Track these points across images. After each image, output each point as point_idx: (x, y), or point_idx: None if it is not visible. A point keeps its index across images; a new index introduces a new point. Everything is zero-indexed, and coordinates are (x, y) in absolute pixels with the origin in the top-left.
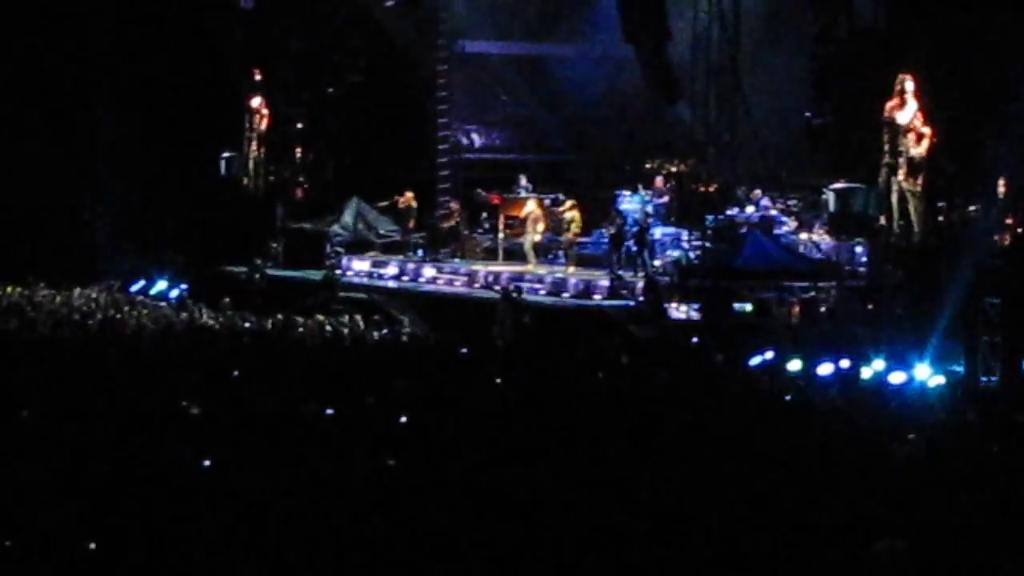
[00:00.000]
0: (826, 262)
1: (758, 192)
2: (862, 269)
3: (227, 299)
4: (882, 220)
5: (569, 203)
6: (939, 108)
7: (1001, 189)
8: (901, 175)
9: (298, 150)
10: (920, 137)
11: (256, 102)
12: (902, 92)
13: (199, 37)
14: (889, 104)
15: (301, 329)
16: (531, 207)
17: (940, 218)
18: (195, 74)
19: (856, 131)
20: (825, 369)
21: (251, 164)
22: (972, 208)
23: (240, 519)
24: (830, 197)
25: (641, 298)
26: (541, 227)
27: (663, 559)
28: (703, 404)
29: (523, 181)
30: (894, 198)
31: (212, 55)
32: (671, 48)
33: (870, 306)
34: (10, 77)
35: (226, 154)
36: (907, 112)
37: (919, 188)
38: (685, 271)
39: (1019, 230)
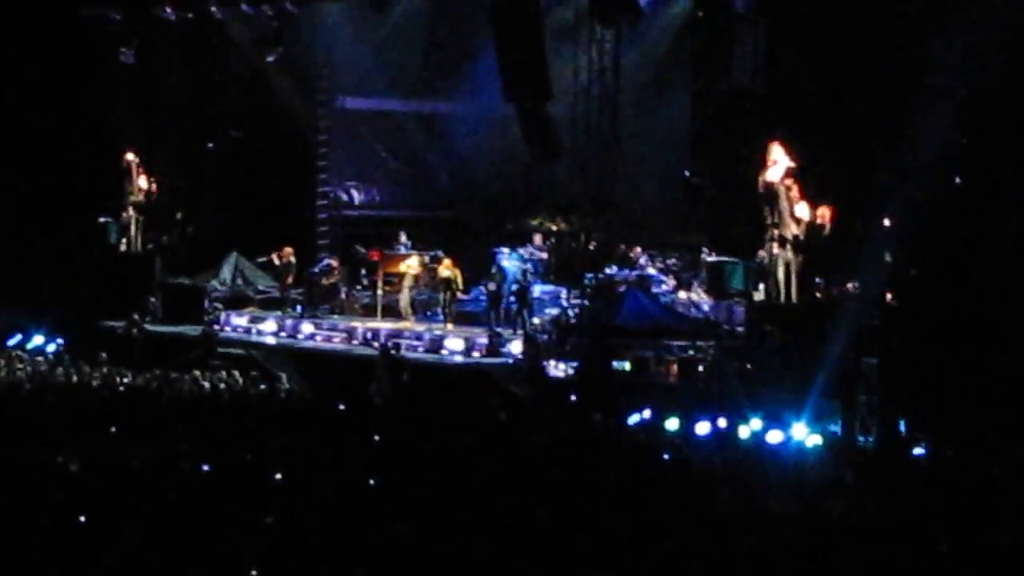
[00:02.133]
0: (704, 321)
1: (637, 250)
2: (740, 328)
3: (104, 354)
4: (758, 294)
5: (448, 261)
6: (813, 176)
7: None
8: (776, 248)
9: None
10: (796, 209)
11: (135, 159)
12: (772, 160)
13: (79, 91)
14: (762, 173)
15: (179, 385)
16: (408, 264)
17: (818, 294)
18: (74, 129)
19: (731, 194)
20: (703, 428)
21: (132, 224)
22: (851, 284)
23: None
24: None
25: (520, 356)
26: (416, 284)
27: None
28: (581, 462)
29: (403, 238)
30: (780, 272)
31: (92, 109)
32: (552, 106)
33: (748, 365)
34: None
35: (103, 219)
36: (773, 174)
37: (797, 261)
38: (564, 329)
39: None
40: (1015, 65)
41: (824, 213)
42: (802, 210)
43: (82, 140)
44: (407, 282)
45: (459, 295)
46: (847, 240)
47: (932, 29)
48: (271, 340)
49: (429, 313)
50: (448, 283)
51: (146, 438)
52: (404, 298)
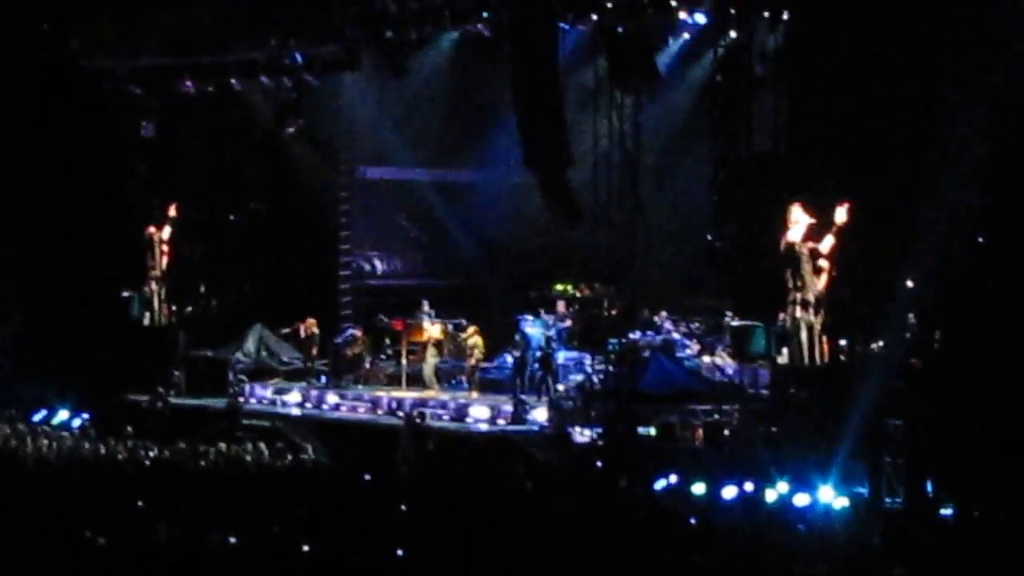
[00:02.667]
0: (729, 384)
1: (661, 315)
2: (765, 391)
3: (130, 428)
4: (782, 357)
5: (471, 329)
6: (838, 238)
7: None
8: (799, 310)
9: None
10: (819, 270)
11: (157, 232)
12: (792, 221)
13: (100, 165)
14: (783, 235)
15: (204, 458)
16: (430, 332)
17: (841, 356)
18: (95, 203)
19: (753, 257)
20: (729, 492)
21: (154, 298)
22: (875, 345)
23: None
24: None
25: (545, 423)
26: (439, 352)
27: None
28: (608, 529)
29: (426, 307)
30: (803, 335)
31: (113, 183)
32: (572, 172)
33: (773, 428)
34: None
35: (126, 293)
36: (794, 235)
37: (820, 322)
38: (588, 395)
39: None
40: None
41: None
42: (823, 276)
43: (103, 214)
44: (430, 351)
45: (483, 363)
46: (870, 302)
47: (952, 87)
48: (296, 411)
49: (454, 382)
50: (472, 351)
51: (173, 511)
52: (428, 367)
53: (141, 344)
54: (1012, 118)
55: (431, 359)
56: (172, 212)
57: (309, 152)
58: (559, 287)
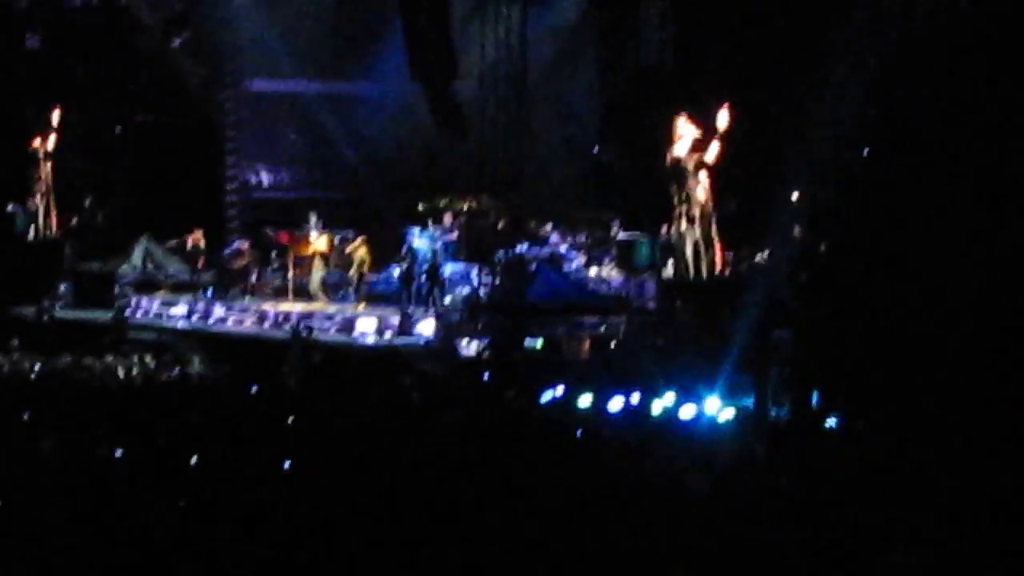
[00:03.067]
0: (616, 297)
1: (547, 228)
2: (651, 304)
3: (15, 341)
4: (667, 270)
5: (358, 240)
6: (722, 146)
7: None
8: (684, 224)
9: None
10: (702, 183)
11: (43, 145)
12: (678, 135)
13: None
14: (669, 149)
15: (90, 371)
16: (317, 245)
17: (727, 269)
18: None
19: (640, 170)
20: (615, 404)
21: (39, 213)
22: (761, 257)
23: (31, 561)
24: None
25: (432, 335)
26: (326, 264)
27: None
28: (495, 441)
29: (313, 219)
30: (688, 248)
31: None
32: (459, 86)
33: (660, 340)
34: None
35: (11, 207)
36: (680, 149)
37: (706, 234)
38: (475, 307)
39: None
40: (928, 35)
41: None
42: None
43: None
44: (317, 263)
45: (369, 275)
46: (756, 213)
47: (840, 5)
48: (182, 324)
49: (340, 294)
50: (359, 263)
51: (59, 425)
52: (315, 279)
53: (26, 258)
54: (902, 30)
55: (317, 271)
56: (56, 122)
57: (196, 64)
58: (445, 200)
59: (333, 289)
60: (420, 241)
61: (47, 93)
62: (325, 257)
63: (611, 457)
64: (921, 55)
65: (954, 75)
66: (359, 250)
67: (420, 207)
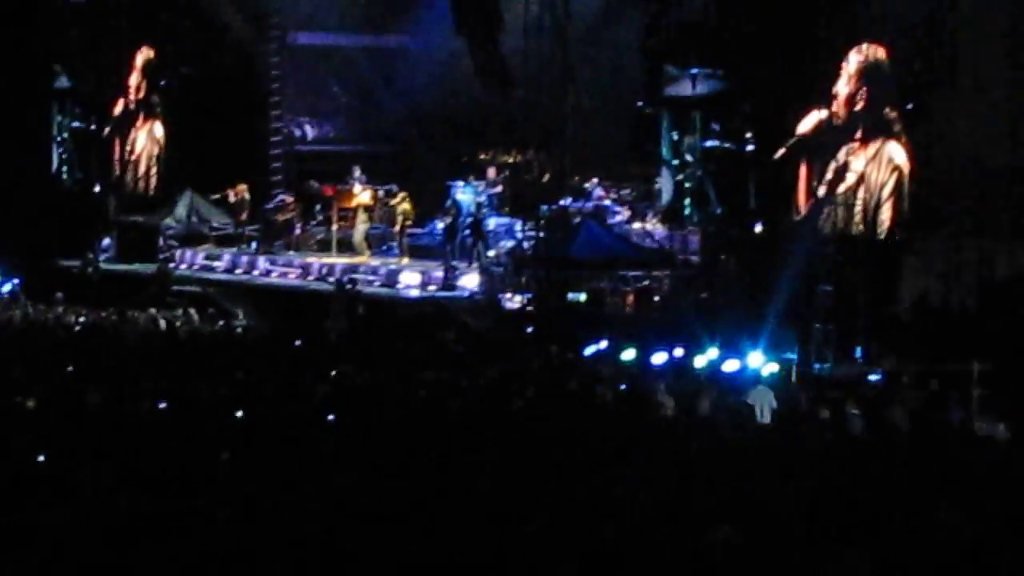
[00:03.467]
0: (659, 251)
1: (592, 181)
2: (695, 258)
3: (60, 293)
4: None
5: (401, 195)
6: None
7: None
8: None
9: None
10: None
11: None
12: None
13: (28, 30)
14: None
15: (135, 324)
16: (360, 198)
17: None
18: (24, 71)
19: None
20: (659, 358)
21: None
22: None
23: (77, 513)
24: (664, 186)
25: (476, 289)
26: (369, 218)
27: (500, 554)
28: (539, 394)
29: (357, 173)
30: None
31: (41, 49)
32: (503, 39)
33: (703, 295)
34: None
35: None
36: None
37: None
38: (519, 261)
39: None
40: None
41: None
42: None
43: (33, 79)
44: (360, 216)
45: (413, 228)
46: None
47: None
48: (227, 277)
49: (384, 248)
50: (402, 216)
51: (103, 376)
52: (359, 233)
53: (71, 210)
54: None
55: (361, 225)
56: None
57: (240, 18)
58: (489, 154)
59: (377, 242)
60: (464, 195)
61: (91, 46)
62: (369, 210)
63: (655, 410)
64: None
65: None
66: (402, 204)
67: (464, 160)
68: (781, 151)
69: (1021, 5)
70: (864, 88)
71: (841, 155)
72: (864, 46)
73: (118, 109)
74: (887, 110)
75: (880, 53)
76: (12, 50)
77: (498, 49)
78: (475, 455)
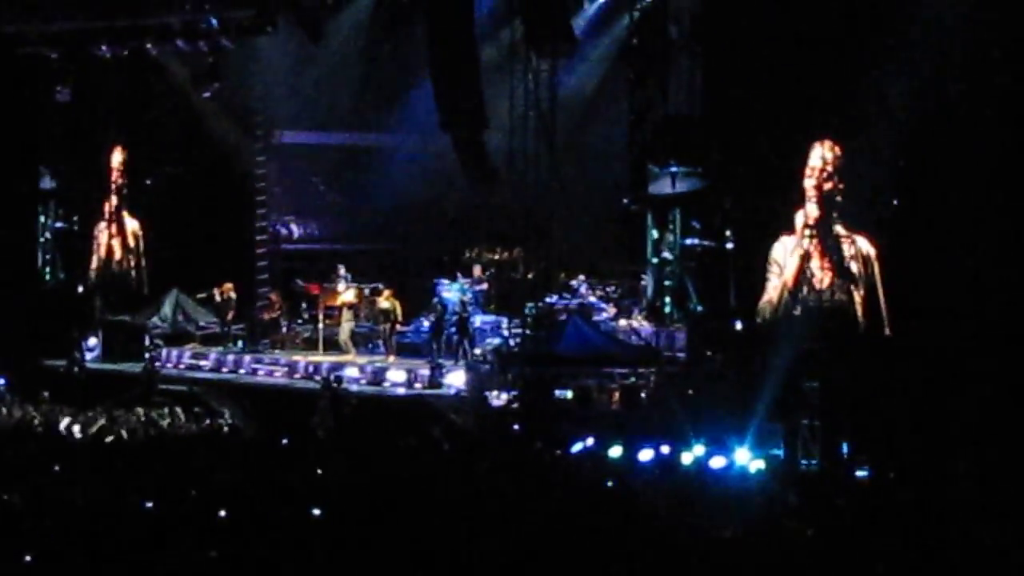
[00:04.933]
0: (646, 348)
1: (578, 278)
2: (681, 355)
3: (46, 393)
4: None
5: (387, 292)
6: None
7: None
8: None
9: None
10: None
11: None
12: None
13: (13, 129)
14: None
15: (121, 424)
16: (345, 297)
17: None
18: (11, 170)
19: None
20: (646, 455)
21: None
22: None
23: None
24: (650, 283)
25: (462, 387)
26: (355, 316)
27: None
28: (524, 492)
29: (342, 271)
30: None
31: (27, 148)
32: (488, 136)
33: (690, 391)
34: None
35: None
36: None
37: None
38: (505, 359)
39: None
40: (958, 94)
41: None
42: None
43: (18, 178)
44: (346, 315)
45: (399, 327)
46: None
47: (870, 56)
48: (213, 376)
49: (370, 346)
50: (388, 315)
51: (90, 476)
52: (344, 331)
53: (57, 309)
54: (933, 88)
55: (347, 323)
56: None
57: (225, 116)
58: (475, 251)
59: (363, 341)
60: (449, 292)
61: (78, 145)
62: (354, 309)
63: (643, 507)
64: (954, 110)
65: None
66: (388, 301)
67: (448, 259)
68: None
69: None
70: (824, 184)
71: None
72: (822, 143)
73: (102, 207)
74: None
75: (835, 150)
76: None
77: (483, 146)
78: (463, 549)
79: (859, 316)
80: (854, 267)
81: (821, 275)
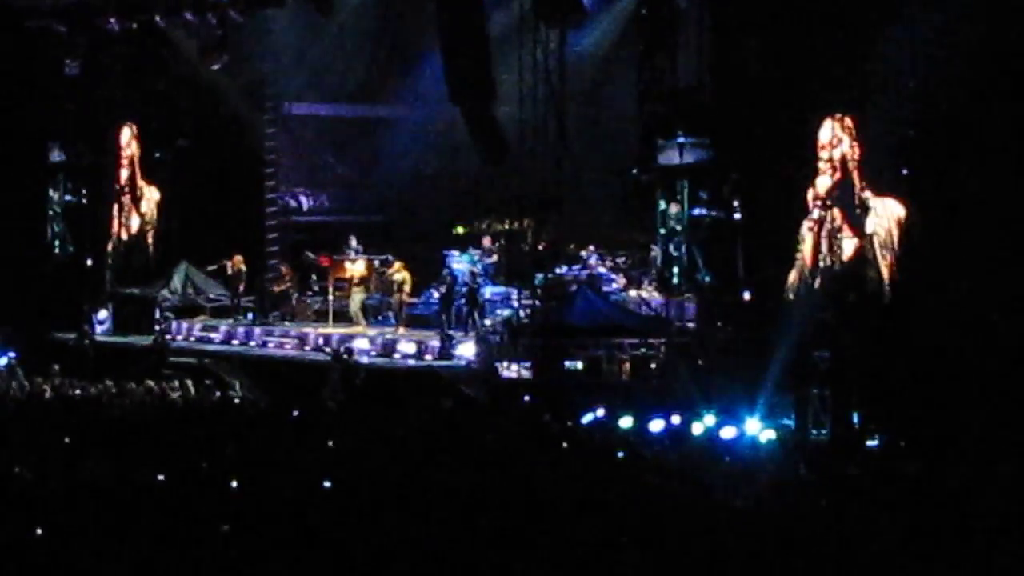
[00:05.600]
0: (655, 318)
1: (588, 249)
2: (691, 325)
3: (56, 366)
4: None
5: (398, 264)
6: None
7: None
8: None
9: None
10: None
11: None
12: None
13: (23, 103)
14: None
15: (131, 396)
16: (357, 268)
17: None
18: (18, 141)
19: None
20: (656, 425)
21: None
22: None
23: None
24: (657, 254)
25: (472, 358)
26: (365, 288)
27: None
28: (535, 462)
29: (353, 243)
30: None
31: (36, 121)
32: (498, 108)
33: (700, 362)
34: None
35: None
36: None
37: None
38: (515, 330)
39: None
40: (965, 60)
41: None
42: None
43: (27, 152)
44: (356, 287)
45: (409, 298)
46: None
47: (880, 22)
48: (223, 348)
49: (380, 317)
50: (399, 286)
51: (100, 448)
52: (355, 303)
53: (67, 282)
54: (941, 55)
55: (357, 295)
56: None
57: (234, 89)
58: (484, 223)
59: (373, 312)
60: (459, 264)
61: (87, 119)
62: (365, 281)
63: (653, 477)
64: (961, 77)
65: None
66: (399, 273)
67: (459, 230)
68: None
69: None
70: (841, 154)
71: (829, 219)
72: (833, 117)
73: (113, 181)
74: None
75: (846, 121)
76: (6, 124)
77: (493, 118)
78: (473, 521)
79: (885, 282)
80: (882, 231)
81: (846, 244)
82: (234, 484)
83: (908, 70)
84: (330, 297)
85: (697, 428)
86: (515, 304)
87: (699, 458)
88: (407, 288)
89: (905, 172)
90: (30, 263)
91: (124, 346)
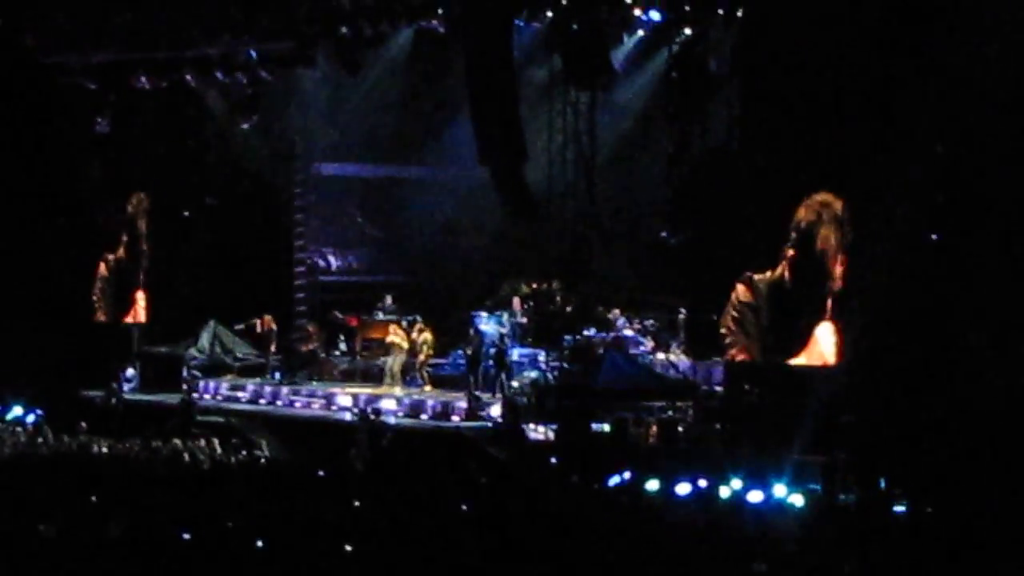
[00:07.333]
0: (683, 382)
1: (615, 312)
2: (719, 388)
3: (83, 424)
4: None
5: (419, 325)
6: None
7: None
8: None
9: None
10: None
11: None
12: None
13: (54, 161)
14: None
15: (158, 454)
16: (392, 337)
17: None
18: (48, 198)
19: (708, 253)
20: (683, 488)
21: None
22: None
23: None
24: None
25: (499, 419)
26: (402, 350)
27: None
28: (562, 525)
29: (388, 301)
30: None
31: (67, 178)
32: (527, 168)
33: (728, 425)
34: None
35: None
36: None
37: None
38: (543, 391)
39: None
40: (994, 126)
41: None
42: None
43: (56, 209)
44: (395, 352)
45: (432, 358)
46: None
47: (907, 89)
48: (250, 407)
49: (408, 378)
50: (425, 347)
51: (126, 506)
52: (396, 363)
53: (96, 340)
54: (969, 120)
55: (400, 356)
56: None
57: (264, 148)
58: (513, 284)
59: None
60: (487, 325)
61: (117, 176)
62: (400, 347)
63: (680, 541)
64: (990, 142)
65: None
66: (422, 334)
67: (487, 291)
68: None
69: None
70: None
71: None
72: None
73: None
74: None
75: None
76: (42, 183)
77: (523, 179)
78: None
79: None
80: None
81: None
82: (259, 543)
83: (935, 136)
84: (358, 357)
85: (724, 492)
86: (543, 365)
87: (727, 522)
88: (430, 348)
89: (933, 238)
90: (72, 325)
91: (151, 404)
